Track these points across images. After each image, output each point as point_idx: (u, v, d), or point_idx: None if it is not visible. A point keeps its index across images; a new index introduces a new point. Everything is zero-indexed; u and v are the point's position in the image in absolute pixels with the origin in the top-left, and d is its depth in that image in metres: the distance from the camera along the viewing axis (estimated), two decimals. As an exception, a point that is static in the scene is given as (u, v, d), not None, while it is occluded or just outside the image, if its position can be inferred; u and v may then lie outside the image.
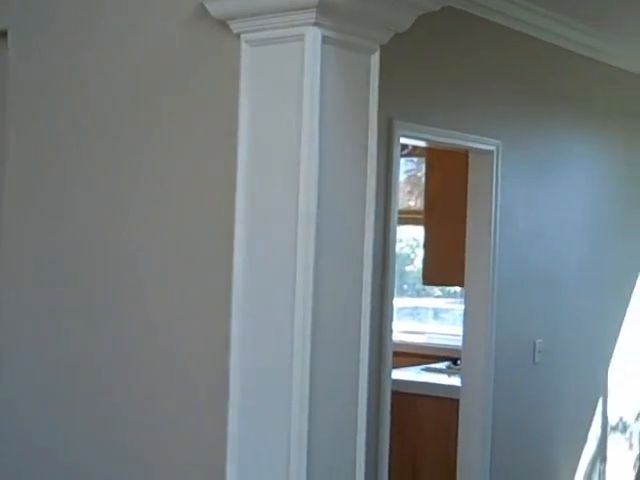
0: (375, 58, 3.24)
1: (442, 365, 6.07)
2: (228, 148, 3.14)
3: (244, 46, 3.17)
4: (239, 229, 3.13)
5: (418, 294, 8.53)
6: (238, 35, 3.18)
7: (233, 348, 3.10)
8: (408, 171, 8.03)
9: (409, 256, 8.53)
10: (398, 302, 8.11)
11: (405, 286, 8.59)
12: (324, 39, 3.00)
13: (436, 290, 8.26)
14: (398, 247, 8.44)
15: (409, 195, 8.14)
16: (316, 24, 2.97)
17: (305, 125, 2.98)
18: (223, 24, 3.17)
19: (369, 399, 3.27)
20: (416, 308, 8.59)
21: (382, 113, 3.74)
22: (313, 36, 2.98)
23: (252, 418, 3.08)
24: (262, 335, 3.09)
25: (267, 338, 3.09)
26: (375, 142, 3.25)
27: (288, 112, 3.05)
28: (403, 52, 4.24)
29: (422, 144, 5.05)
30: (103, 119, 3.49)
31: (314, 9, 2.92)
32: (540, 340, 5.33)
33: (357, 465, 3.20)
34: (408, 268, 8.48)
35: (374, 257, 3.29)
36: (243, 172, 3.13)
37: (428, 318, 8.56)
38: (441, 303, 8.48)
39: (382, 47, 3.25)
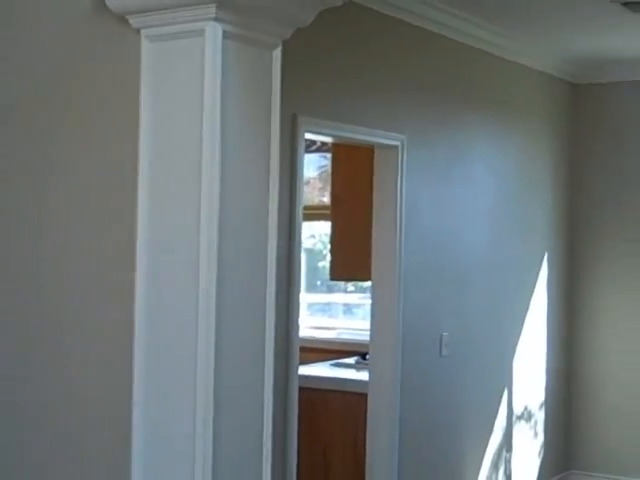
0: (277, 53, 3.24)
1: (351, 360, 6.10)
2: (131, 148, 3.11)
3: (144, 42, 3.14)
4: (142, 226, 3.10)
5: (331, 290, 8.54)
6: (138, 30, 3.14)
7: (137, 377, 3.09)
8: (321, 167, 8.02)
9: (321, 252, 8.53)
10: (310, 298, 8.14)
11: (318, 282, 8.60)
12: (225, 34, 2.99)
13: (349, 285, 8.29)
14: (311, 243, 8.47)
15: (321, 191, 8.15)
16: (216, 19, 2.95)
17: (206, 122, 2.96)
18: (123, 19, 3.13)
19: (277, 395, 3.28)
20: (329, 304, 8.60)
21: (286, 109, 3.74)
22: (213, 31, 2.96)
23: (157, 424, 3.06)
24: (166, 337, 3.07)
25: (171, 336, 3.06)
26: (278, 138, 3.25)
27: (189, 109, 3.03)
28: (307, 47, 4.25)
29: (327, 139, 5.06)
30: (4, 119, 3.43)
31: (214, 4, 2.91)
32: (446, 333, 5.40)
33: (264, 461, 3.20)
34: (321, 264, 8.50)
35: (280, 254, 3.29)
36: (145, 171, 3.10)
37: (339, 314, 8.59)
38: (354, 298, 8.51)
39: (285, 42, 3.25)
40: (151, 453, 3.07)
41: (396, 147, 5.00)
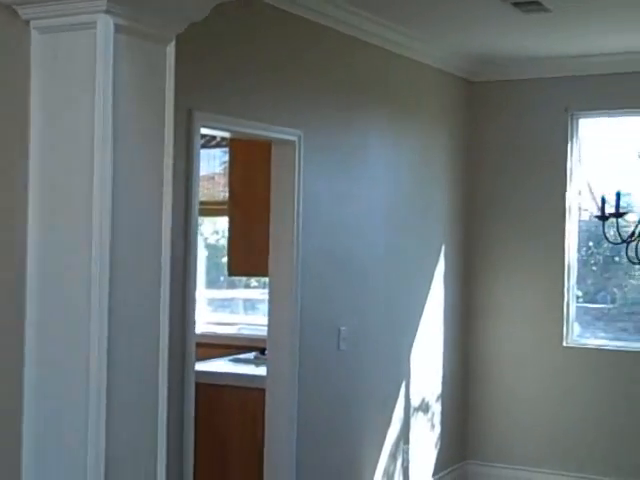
0: (171, 48, 3.21)
1: (250, 355, 6.09)
2: (21, 140, 3.04)
3: (34, 33, 3.08)
4: (33, 225, 3.05)
5: (235, 286, 8.50)
6: (27, 22, 3.08)
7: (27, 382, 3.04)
8: (225, 162, 7.98)
9: (225, 248, 8.49)
10: (212, 294, 8.09)
11: (222, 278, 8.55)
12: (116, 27, 2.95)
13: (253, 281, 8.27)
14: (214, 239, 8.41)
15: (226, 186, 8.09)
16: (107, 12, 2.91)
17: (98, 118, 2.92)
18: (11, 9, 3.06)
19: (173, 392, 3.26)
20: (232, 299, 8.57)
21: (182, 104, 3.72)
22: (105, 24, 2.92)
23: (48, 433, 3.01)
24: (57, 336, 3.02)
25: (62, 334, 3.02)
26: (172, 133, 3.23)
27: (80, 103, 2.99)
28: (204, 42, 4.22)
29: (224, 134, 5.04)
30: None
31: (105, -4, 2.87)
32: (344, 327, 5.43)
33: (158, 461, 3.18)
34: (224, 259, 8.45)
35: (176, 250, 3.26)
36: (36, 171, 3.05)
37: (241, 309, 8.56)
38: (256, 294, 8.49)
39: (180, 37, 3.22)
40: (42, 455, 3.02)
41: (293, 142, 5.00)
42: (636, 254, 4.81)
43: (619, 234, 4.82)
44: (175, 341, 3.76)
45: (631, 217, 5.50)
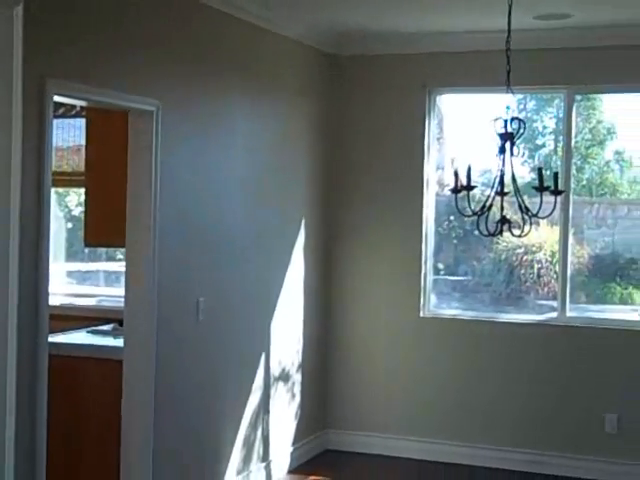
0: (18, 11, 3.13)
1: (108, 327, 6.03)
2: None
3: None
4: None
5: (99, 258, 8.38)
6: None
7: None
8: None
9: (88, 220, 8.34)
10: (74, 266, 7.96)
11: (86, 250, 8.41)
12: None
13: (118, 253, 8.16)
14: (79, 211, 8.23)
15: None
16: (-53, -27, 2.82)
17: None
18: None
19: (25, 363, 3.20)
20: (97, 271, 8.45)
21: (33, 70, 3.63)
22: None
23: None
24: None
25: None
26: (20, 100, 3.16)
27: None
28: (57, 6, 4.11)
29: (79, 103, 4.94)
30: None
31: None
32: (203, 299, 5.43)
33: (6, 441, 3.13)
34: (87, 231, 8.30)
35: (27, 221, 3.20)
36: None
37: (102, 281, 8.46)
38: (117, 266, 8.39)
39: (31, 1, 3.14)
40: None
41: (151, 112, 4.95)
42: (486, 227, 4.94)
43: (470, 207, 4.94)
44: (27, 313, 3.68)
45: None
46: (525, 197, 5.01)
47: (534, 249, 7.28)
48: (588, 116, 7.75)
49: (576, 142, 7.08)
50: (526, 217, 4.91)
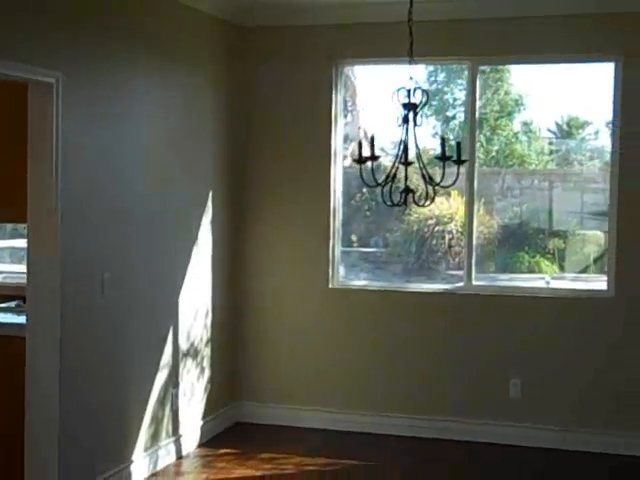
0: None
1: (12, 304, 5.92)
2: None
3: None
4: None
5: (3, 235, 8.19)
6: None
7: None
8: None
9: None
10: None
11: (-1, 228, 8.21)
12: None
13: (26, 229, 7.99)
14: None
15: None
16: None
17: None
18: None
19: None
20: (2, 248, 8.26)
21: None
22: None
23: None
24: None
25: None
26: None
27: None
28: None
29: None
30: None
31: None
32: (108, 274, 5.36)
33: None
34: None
35: None
36: None
37: (7, 258, 8.28)
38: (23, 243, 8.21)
39: None
40: None
41: (51, 84, 4.84)
42: (390, 197, 4.97)
43: (374, 178, 4.97)
44: None
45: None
46: (437, 168, 5.07)
47: (445, 220, 7.36)
48: (497, 88, 7.85)
49: (485, 114, 7.17)
50: (429, 187, 4.96)
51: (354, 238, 7.50)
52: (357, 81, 7.54)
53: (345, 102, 7.40)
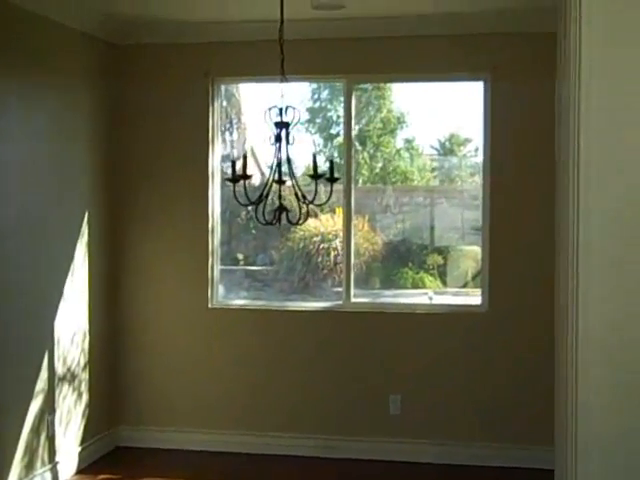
0: None
1: None
2: None
3: None
4: None
5: None
6: None
7: None
8: None
9: None
10: None
11: None
12: None
13: None
14: None
15: None
16: None
17: None
18: None
19: None
20: None
21: None
22: None
23: None
24: None
25: None
26: None
27: None
28: None
29: None
30: None
31: None
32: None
33: None
34: None
35: None
36: None
37: None
38: None
39: None
40: None
41: None
42: (263, 215, 4.94)
43: (247, 196, 4.94)
44: None
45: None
46: (321, 186, 5.08)
47: (330, 237, 7.37)
48: (379, 105, 7.91)
49: (368, 131, 7.21)
50: (303, 205, 4.96)
51: (240, 256, 7.44)
52: (242, 98, 7.51)
53: (231, 119, 7.36)
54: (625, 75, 3.23)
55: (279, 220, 4.93)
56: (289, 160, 4.94)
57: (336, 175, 5.14)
